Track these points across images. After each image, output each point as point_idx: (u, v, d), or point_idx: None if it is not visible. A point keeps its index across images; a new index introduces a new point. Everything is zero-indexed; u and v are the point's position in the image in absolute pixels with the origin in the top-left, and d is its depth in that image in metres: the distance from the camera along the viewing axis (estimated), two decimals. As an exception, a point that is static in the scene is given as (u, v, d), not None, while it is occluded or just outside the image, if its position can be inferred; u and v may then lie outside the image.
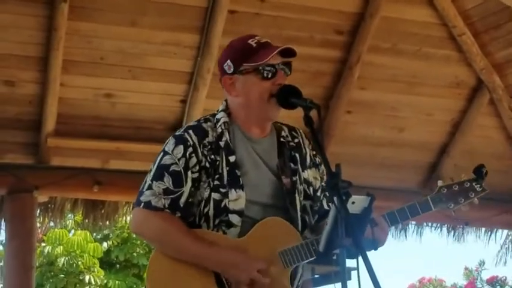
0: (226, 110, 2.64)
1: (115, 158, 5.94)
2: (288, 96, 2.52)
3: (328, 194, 2.63)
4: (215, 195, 2.51)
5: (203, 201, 2.51)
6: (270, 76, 2.55)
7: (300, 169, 2.63)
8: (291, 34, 5.82)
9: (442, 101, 6.50)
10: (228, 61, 2.60)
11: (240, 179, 2.53)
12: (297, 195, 2.58)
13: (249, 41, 2.60)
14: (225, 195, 2.50)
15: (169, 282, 2.51)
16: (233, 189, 2.51)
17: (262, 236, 2.50)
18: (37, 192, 5.78)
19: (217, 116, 2.62)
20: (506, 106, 6.50)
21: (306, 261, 2.50)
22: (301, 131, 2.72)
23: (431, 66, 6.32)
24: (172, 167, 2.51)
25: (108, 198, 6.25)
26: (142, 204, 2.51)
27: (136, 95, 5.90)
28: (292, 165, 2.62)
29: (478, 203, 2.57)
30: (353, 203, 2.24)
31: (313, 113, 2.42)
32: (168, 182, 2.50)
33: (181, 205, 2.50)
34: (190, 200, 2.52)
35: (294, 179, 2.59)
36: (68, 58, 5.60)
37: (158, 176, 2.52)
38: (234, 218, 2.50)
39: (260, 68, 2.54)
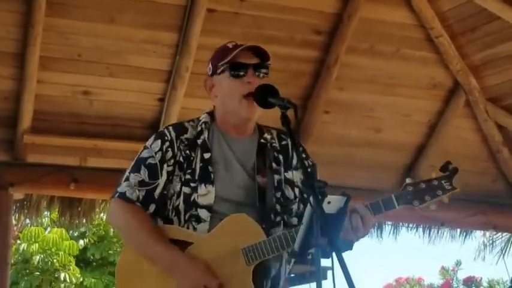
0: (211, 113, 2.69)
1: (92, 156, 5.91)
2: (265, 96, 2.53)
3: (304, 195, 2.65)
4: (185, 189, 2.56)
5: (175, 195, 2.57)
6: (237, 75, 2.59)
7: (283, 170, 2.64)
8: (270, 34, 5.83)
9: (419, 102, 6.54)
10: (210, 64, 2.68)
11: (212, 175, 2.56)
12: (275, 193, 2.59)
13: (228, 44, 2.66)
14: (195, 189, 2.55)
15: (134, 278, 2.54)
16: (203, 184, 2.55)
17: (226, 232, 2.51)
18: (13, 189, 5.74)
19: (201, 118, 2.68)
20: (482, 108, 6.55)
21: (269, 257, 2.50)
22: None
23: (409, 67, 6.36)
24: (149, 160, 2.59)
25: (85, 196, 6.22)
26: (118, 194, 2.58)
27: (114, 93, 5.88)
28: (274, 165, 2.64)
29: (448, 202, 2.50)
30: (329, 202, 2.25)
31: (291, 113, 2.43)
32: (144, 174, 2.58)
33: (156, 197, 2.57)
34: (165, 192, 2.58)
35: (275, 177, 2.61)
36: (45, 55, 5.56)
37: (135, 169, 2.60)
38: (203, 213, 2.53)
39: (230, 65, 2.59)
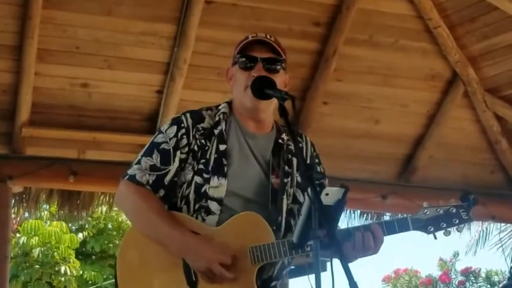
0: (230, 102, 2.68)
1: (91, 148, 5.91)
2: (262, 88, 2.52)
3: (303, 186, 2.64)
4: (197, 179, 2.54)
5: (186, 183, 2.55)
6: (246, 67, 2.59)
7: (295, 173, 2.62)
8: (268, 25, 5.81)
9: (417, 93, 6.54)
10: (233, 54, 2.67)
11: (225, 168, 2.54)
12: (284, 196, 2.58)
13: (251, 35, 2.65)
14: (207, 180, 2.53)
15: (138, 261, 2.53)
16: (216, 176, 2.53)
17: (236, 228, 2.49)
18: (11, 183, 5.74)
19: (220, 107, 2.67)
20: (481, 99, 6.55)
21: (273, 261, 2.48)
22: (308, 138, 2.74)
23: (407, 58, 6.35)
24: (163, 145, 2.56)
25: (84, 188, 6.22)
26: (128, 176, 2.56)
27: (112, 85, 5.87)
28: (286, 167, 2.61)
29: (463, 231, 2.52)
30: (327, 194, 2.24)
31: (288, 104, 2.42)
32: (156, 159, 2.55)
33: (166, 183, 2.55)
34: (175, 179, 2.56)
35: (286, 180, 2.59)
36: (43, 47, 5.55)
37: (148, 152, 2.58)
38: (213, 206, 2.52)
39: (240, 56, 2.60)
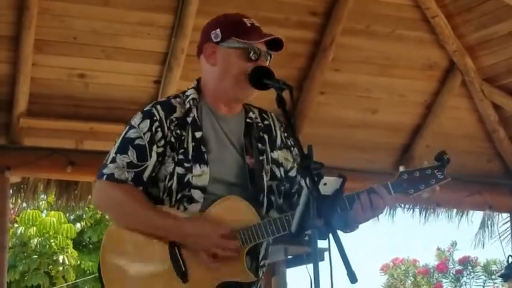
0: (197, 88, 2.64)
1: (88, 139, 5.91)
2: (260, 77, 2.52)
3: (301, 176, 2.65)
4: (179, 169, 2.51)
5: (168, 176, 2.52)
6: (254, 59, 2.56)
7: (269, 149, 2.64)
8: (266, 15, 5.80)
9: (415, 82, 6.54)
10: (218, 30, 2.59)
11: (205, 155, 2.53)
12: (263, 174, 2.59)
13: (244, 19, 2.61)
14: (189, 170, 2.51)
15: (122, 256, 2.52)
16: (197, 165, 2.51)
17: (220, 213, 2.50)
18: (9, 173, 5.74)
19: (187, 93, 2.62)
20: (478, 88, 6.56)
21: (261, 240, 2.50)
22: (272, 114, 2.74)
23: (405, 48, 6.35)
24: (137, 141, 2.51)
25: (82, 178, 6.22)
26: (105, 176, 2.50)
27: (109, 75, 5.87)
28: (259, 145, 2.62)
29: (439, 190, 2.58)
30: (325, 184, 2.25)
31: (286, 94, 2.43)
32: (132, 155, 2.49)
33: (145, 179, 2.51)
34: (153, 174, 2.52)
35: (261, 158, 2.60)
36: (40, 37, 5.55)
37: (122, 150, 2.51)
38: (196, 194, 2.51)
39: (249, 48, 2.55)
